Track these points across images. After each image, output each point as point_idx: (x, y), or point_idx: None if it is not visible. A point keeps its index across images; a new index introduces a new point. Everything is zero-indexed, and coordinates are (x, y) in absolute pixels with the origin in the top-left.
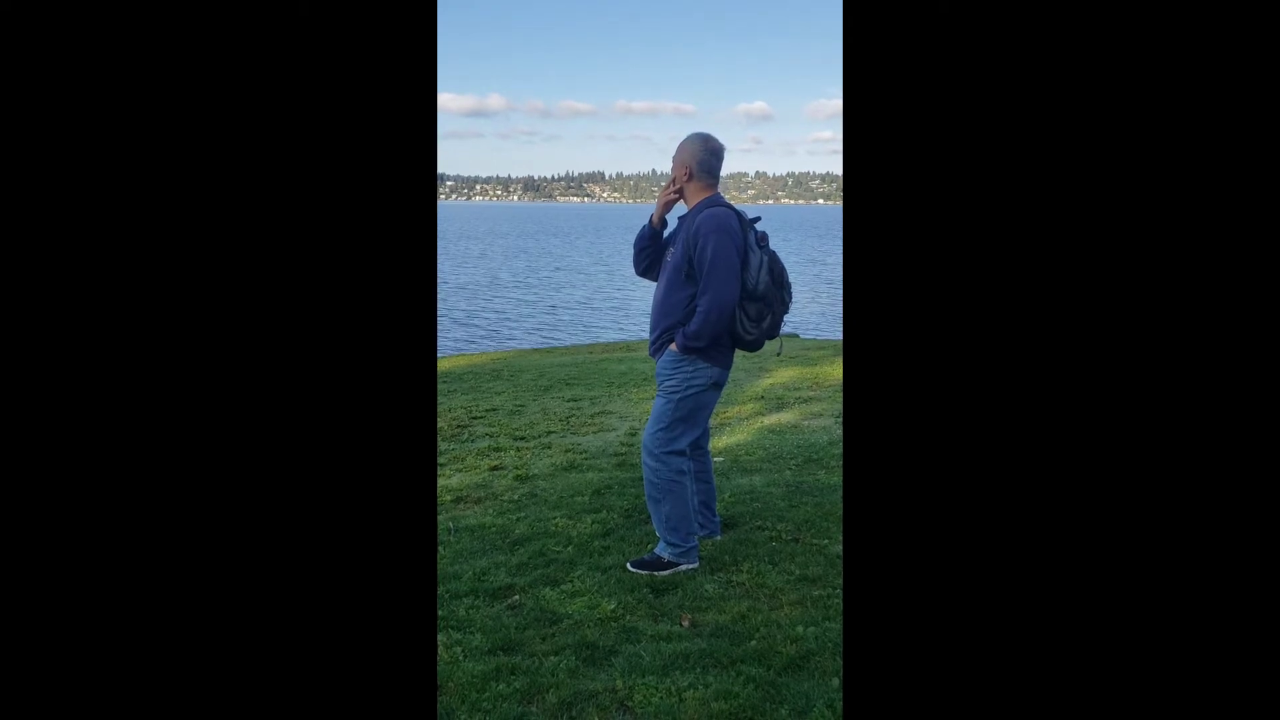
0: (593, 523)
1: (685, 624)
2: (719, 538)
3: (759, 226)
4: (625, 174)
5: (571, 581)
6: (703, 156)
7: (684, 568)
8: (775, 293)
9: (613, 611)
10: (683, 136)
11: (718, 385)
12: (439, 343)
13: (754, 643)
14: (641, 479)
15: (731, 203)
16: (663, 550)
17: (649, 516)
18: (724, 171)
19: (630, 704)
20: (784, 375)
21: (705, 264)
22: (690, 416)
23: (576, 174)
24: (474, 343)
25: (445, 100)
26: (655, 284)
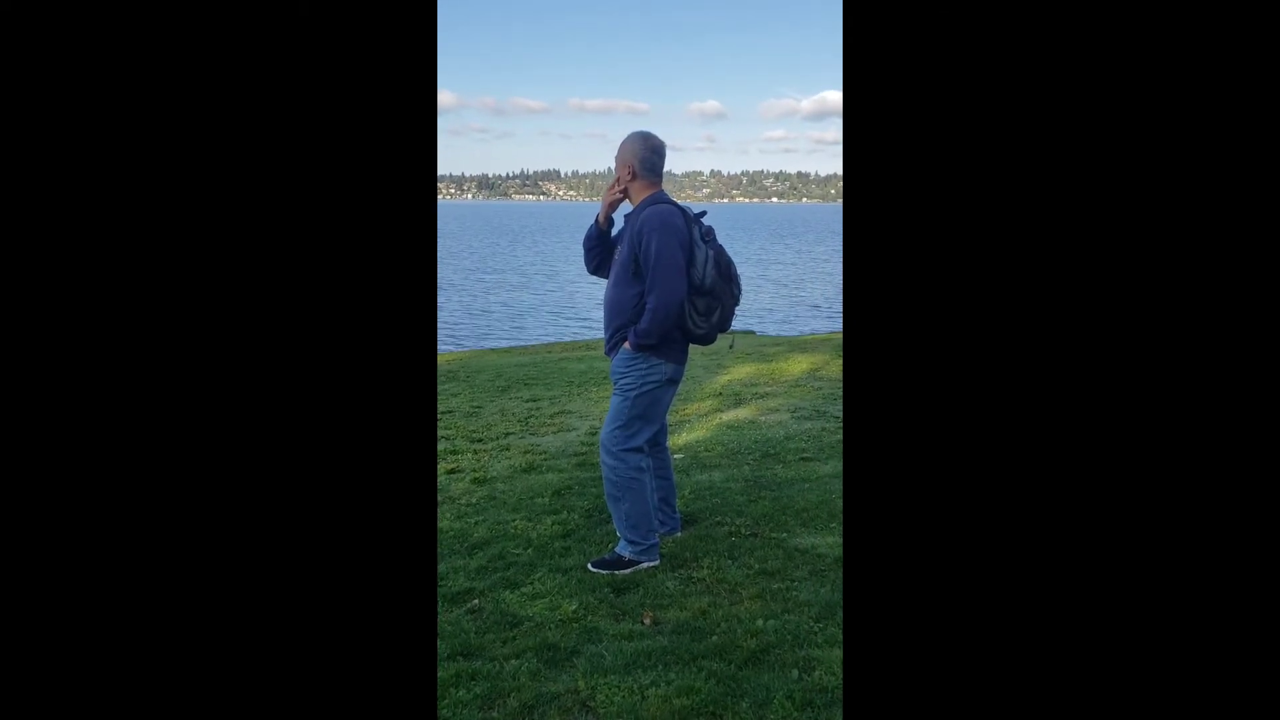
0: (553, 524)
1: (647, 622)
2: (680, 534)
3: (705, 222)
4: (581, 172)
5: (532, 584)
6: (644, 154)
7: (645, 565)
8: (724, 286)
9: (574, 612)
10: None
11: (673, 381)
12: None
13: (715, 638)
14: (600, 479)
15: (676, 199)
16: (624, 549)
17: (609, 516)
18: (679, 170)
19: (593, 704)
20: (741, 371)
21: (650, 261)
22: (646, 413)
23: (532, 172)
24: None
25: None
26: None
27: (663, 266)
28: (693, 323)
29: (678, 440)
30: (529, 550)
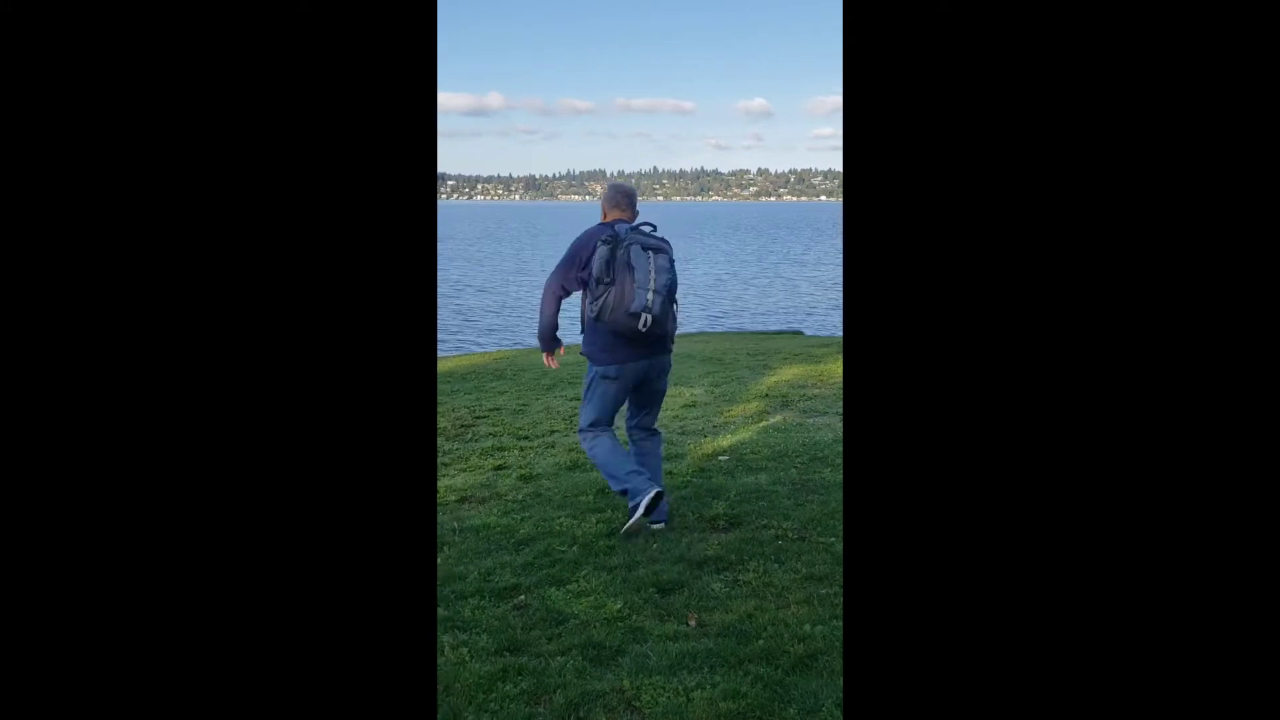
0: (597, 522)
1: (692, 623)
2: (662, 525)
3: (659, 233)
4: (627, 171)
5: (577, 581)
6: (606, 196)
7: (642, 500)
8: (624, 277)
9: (619, 611)
10: (683, 134)
11: (606, 378)
12: (443, 342)
13: (761, 642)
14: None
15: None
16: (631, 503)
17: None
18: (726, 169)
19: (638, 704)
20: (788, 373)
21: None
22: (592, 402)
23: (578, 172)
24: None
25: (444, 99)
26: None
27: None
28: (614, 307)
29: (723, 442)
30: (574, 548)
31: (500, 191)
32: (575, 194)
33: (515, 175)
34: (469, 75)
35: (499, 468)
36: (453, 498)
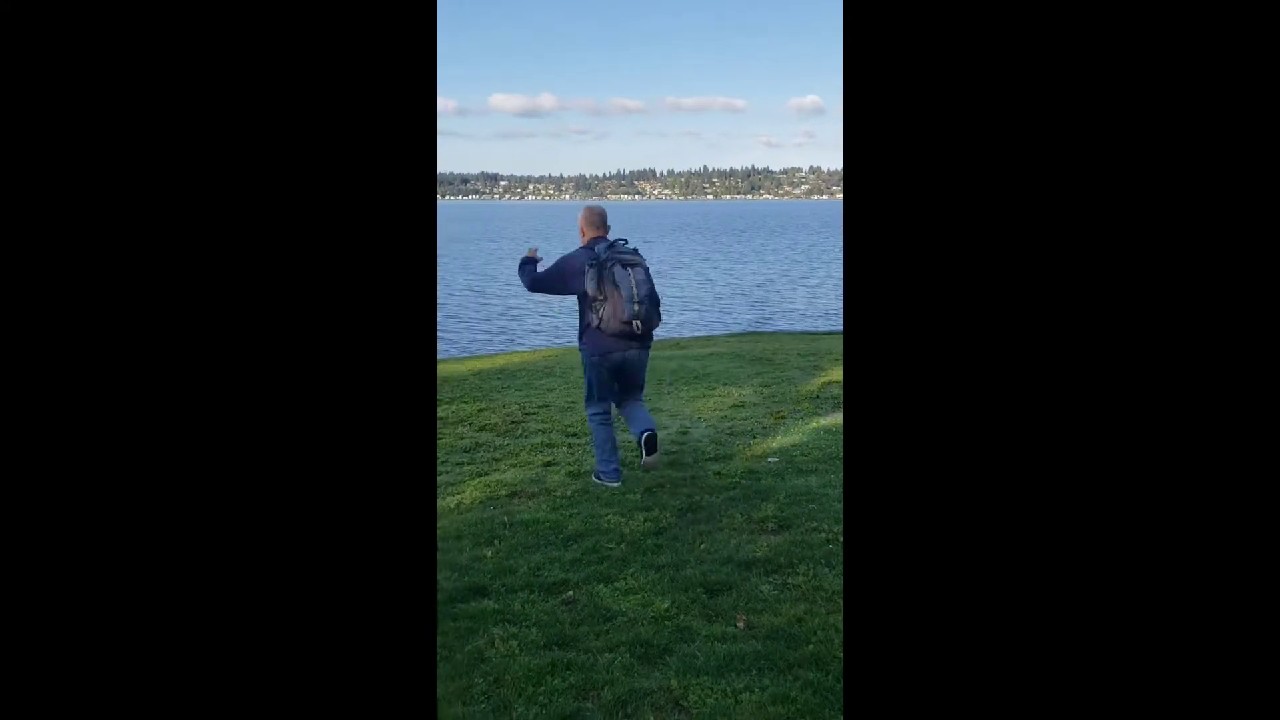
0: (645, 521)
1: (741, 625)
2: (617, 485)
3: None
4: (676, 171)
5: (625, 579)
6: (584, 217)
7: (603, 481)
8: (610, 292)
9: (666, 610)
10: (734, 132)
11: (593, 365)
12: (492, 339)
13: (811, 647)
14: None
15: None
16: (598, 466)
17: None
18: (777, 167)
19: (685, 704)
20: (839, 374)
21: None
22: (591, 382)
23: (627, 172)
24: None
25: (498, 100)
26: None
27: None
28: (604, 314)
29: (772, 444)
30: (622, 545)
31: (551, 191)
32: (625, 193)
33: (566, 175)
34: (521, 77)
35: (548, 464)
36: (503, 492)
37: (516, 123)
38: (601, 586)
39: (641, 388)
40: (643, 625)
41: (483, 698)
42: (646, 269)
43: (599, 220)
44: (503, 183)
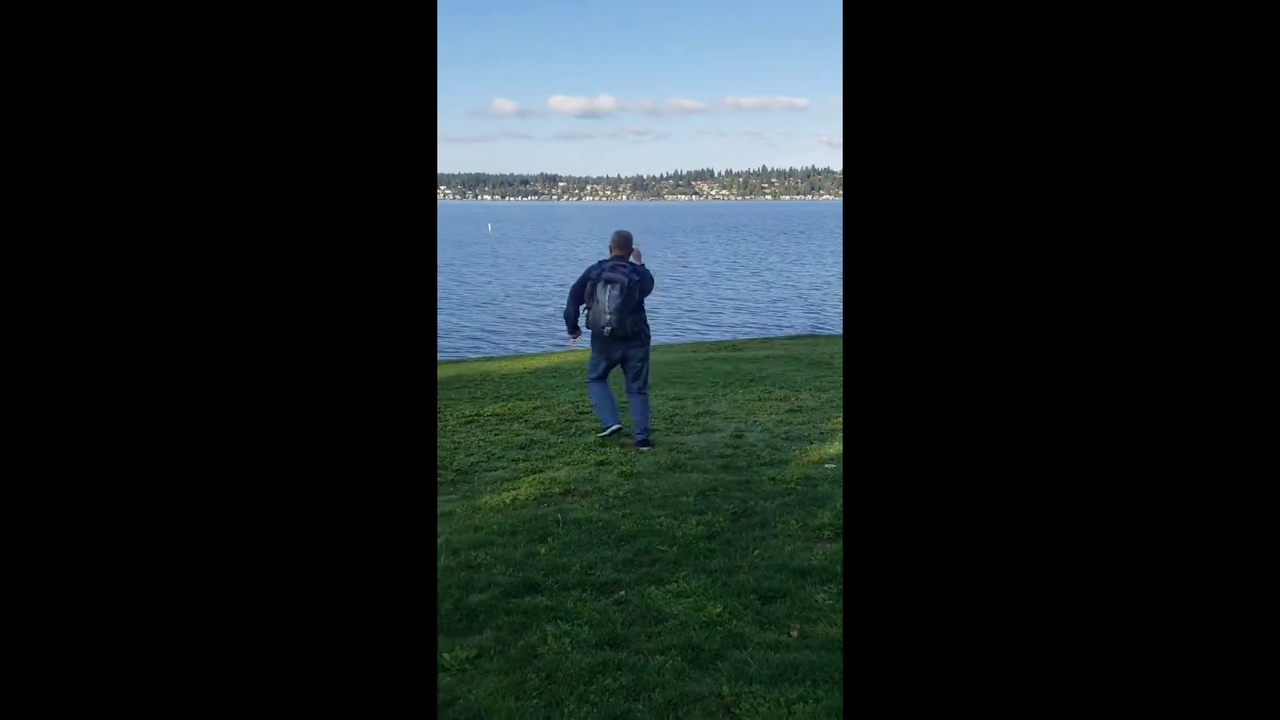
0: (698, 524)
1: (794, 634)
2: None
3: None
4: (735, 171)
5: (677, 581)
6: (611, 240)
7: (608, 430)
8: (593, 300)
9: (718, 615)
10: (795, 131)
11: (593, 352)
12: (541, 340)
13: None
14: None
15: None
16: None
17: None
18: (840, 166)
19: (737, 711)
20: None
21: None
22: (591, 363)
23: (685, 172)
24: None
25: (557, 102)
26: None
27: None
28: (591, 316)
29: (829, 449)
30: (674, 548)
31: (609, 192)
32: (682, 194)
33: (624, 176)
34: (581, 78)
35: (601, 463)
36: (557, 490)
37: (575, 124)
38: (653, 588)
39: (638, 378)
40: (694, 629)
41: (535, 693)
42: (626, 283)
43: (617, 242)
44: (561, 184)
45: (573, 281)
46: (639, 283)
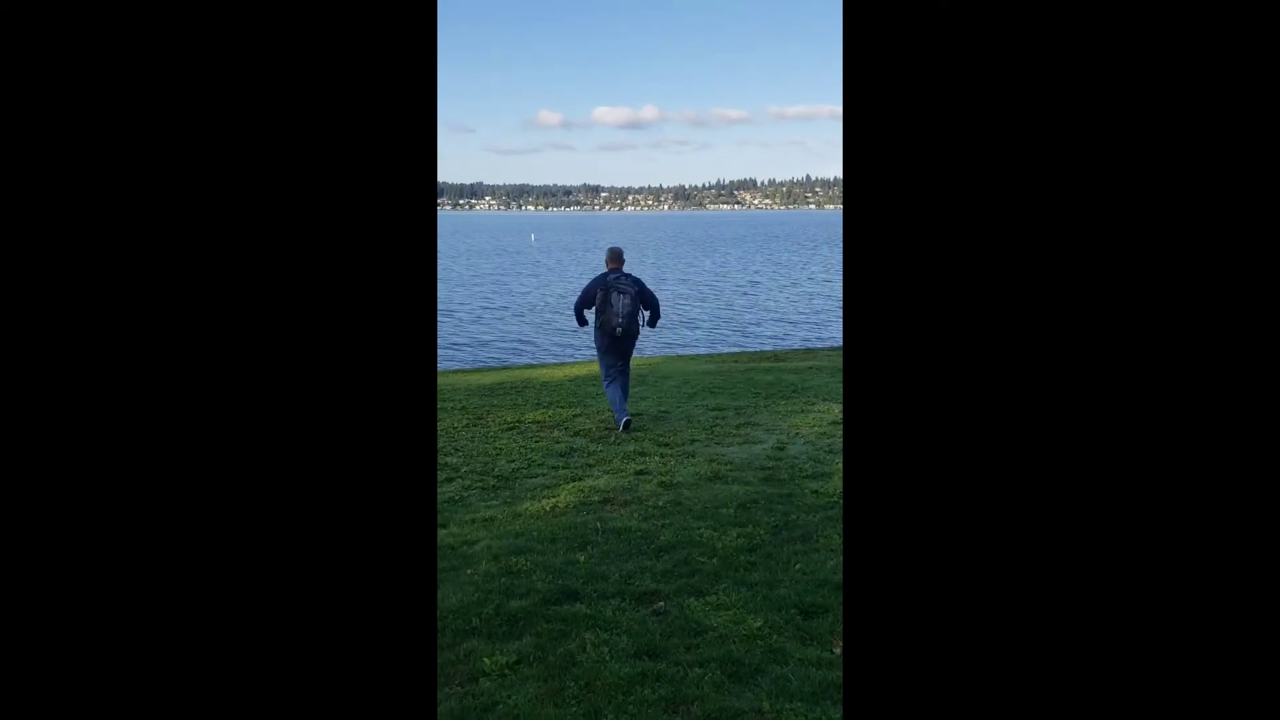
0: (738, 536)
1: (837, 650)
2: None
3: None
4: (778, 180)
5: (716, 594)
6: (607, 254)
7: (623, 423)
8: (609, 309)
9: (759, 629)
10: (839, 140)
11: (600, 351)
12: (579, 350)
13: None
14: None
15: (616, 271)
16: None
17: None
18: None
19: None
20: None
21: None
22: (601, 363)
23: (727, 181)
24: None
25: (601, 113)
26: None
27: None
28: (603, 321)
29: None
30: (714, 559)
31: (650, 202)
32: (725, 203)
33: (665, 186)
34: (626, 90)
35: (640, 472)
36: (596, 498)
37: (619, 134)
38: (693, 600)
39: (627, 365)
40: (734, 643)
41: (573, 701)
42: (634, 294)
43: (612, 257)
44: (603, 194)
45: (585, 286)
46: (640, 294)
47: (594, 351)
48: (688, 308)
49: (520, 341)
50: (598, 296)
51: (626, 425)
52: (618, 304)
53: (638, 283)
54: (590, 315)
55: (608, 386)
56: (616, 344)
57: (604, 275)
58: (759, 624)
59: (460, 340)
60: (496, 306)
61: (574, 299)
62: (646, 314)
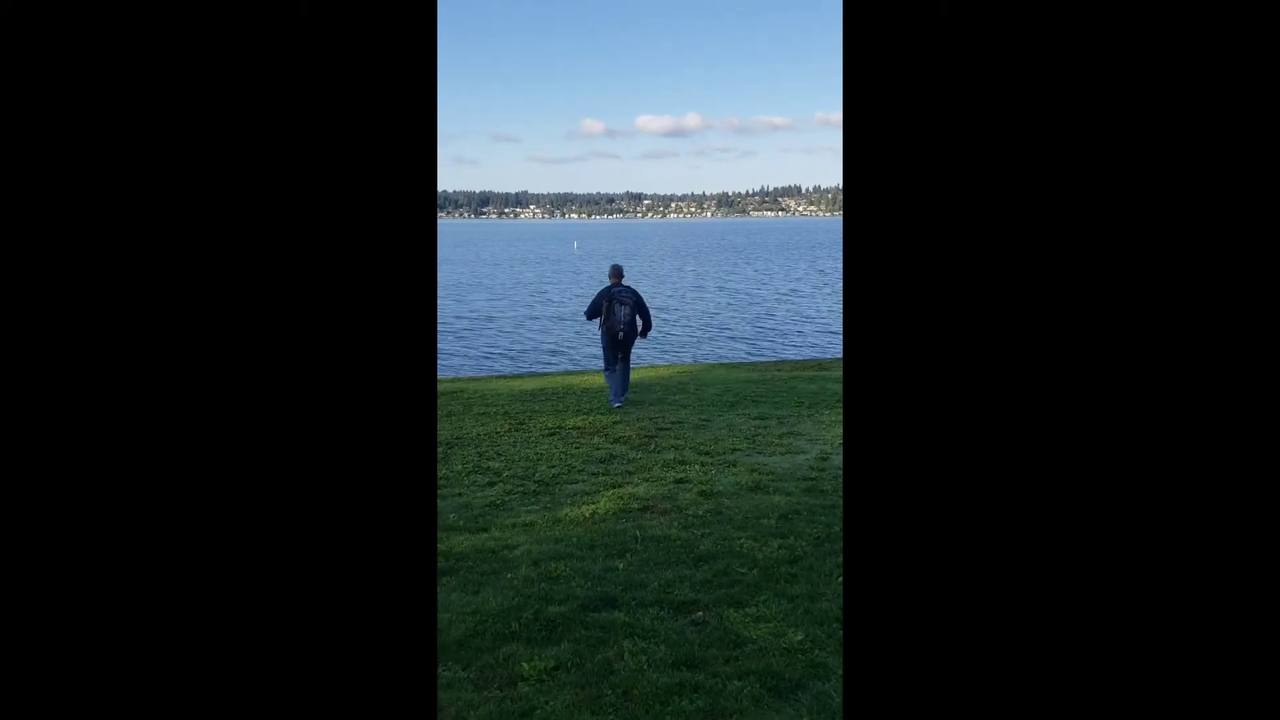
0: (779, 548)
1: None
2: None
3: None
4: (823, 187)
5: (756, 605)
6: (610, 271)
7: (618, 403)
8: (615, 315)
9: (799, 643)
10: None
11: (604, 346)
12: (636, 355)
13: None
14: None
15: (619, 283)
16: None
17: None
18: None
19: None
20: None
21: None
22: (603, 357)
23: (772, 188)
24: (672, 354)
25: (645, 122)
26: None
27: (589, 307)
28: (607, 325)
29: None
30: (754, 571)
31: (693, 209)
32: (768, 210)
33: (709, 193)
34: (670, 98)
35: (680, 481)
36: (635, 506)
37: (662, 142)
38: (732, 611)
39: (628, 358)
40: (774, 656)
41: (611, 709)
42: (634, 303)
43: (614, 272)
44: (646, 201)
45: (596, 294)
46: (637, 305)
47: (631, 359)
48: (727, 314)
49: (556, 351)
50: (603, 307)
51: (617, 406)
52: (619, 313)
53: (635, 295)
54: (601, 320)
55: (606, 372)
56: (617, 344)
57: (608, 288)
58: (800, 637)
59: (498, 347)
60: (536, 312)
61: (587, 308)
62: (640, 323)
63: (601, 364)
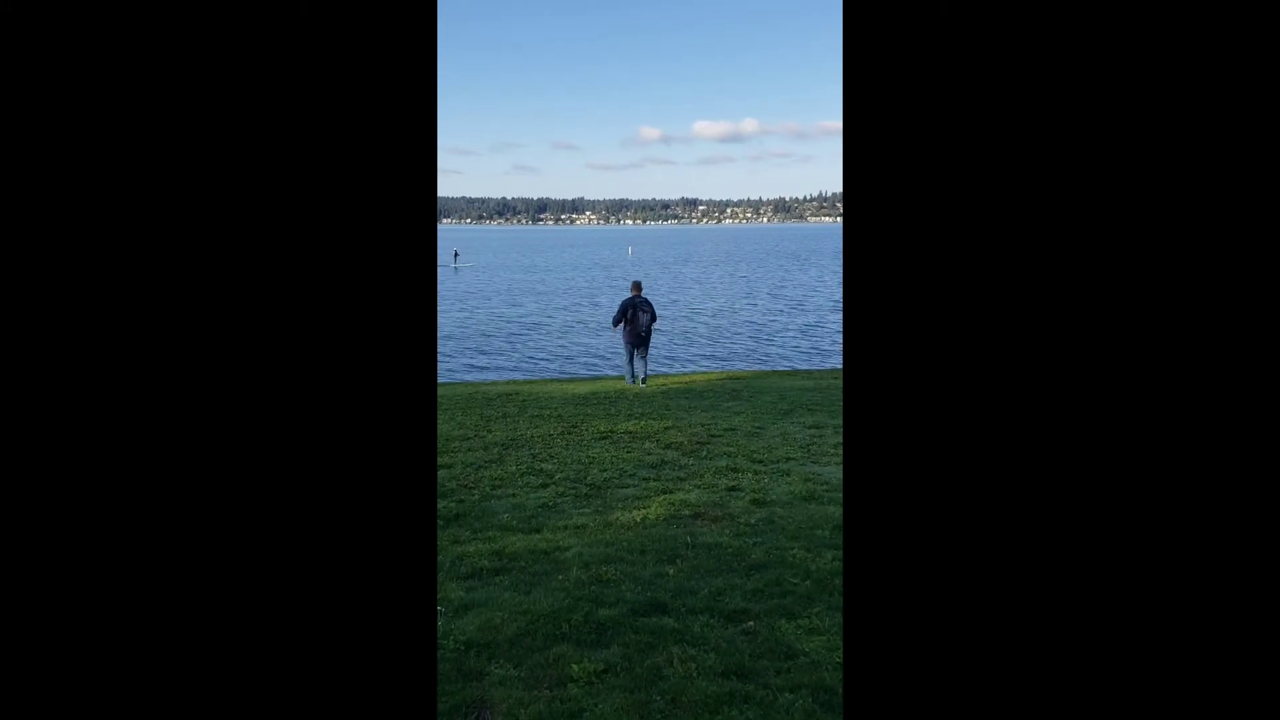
0: (833, 559)
1: None
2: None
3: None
4: None
5: (809, 617)
6: (633, 286)
7: (632, 381)
8: (634, 319)
9: None
10: None
11: (626, 344)
12: (674, 363)
13: None
14: None
15: (639, 295)
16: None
17: None
18: None
19: None
20: None
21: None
22: (624, 354)
23: (830, 193)
24: (727, 360)
25: (701, 127)
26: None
27: (615, 313)
28: (632, 328)
29: None
30: (807, 582)
31: (749, 214)
32: (826, 215)
33: (765, 198)
34: (727, 103)
35: (732, 488)
36: (686, 512)
37: (718, 148)
38: (784, 621)
39: (646, 354)
40: (827, 670)
41: (659, 715)
42: (651, 311)
43: (635, 286)
44: (701, 207)
45: (621, 303)
46: (652, 312)
47: (682, 364)
48: (778, 320)
49: (608, 353)
50: (628, 314)
51: (641, 381)
52: (641, 319)
53: (650, 305)
54: (625, 325)
55: (626, 361)
56: (641, 342)
57: (631, 299)
58: None
59: (544, 352)
60: (586, 317)
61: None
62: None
63: (624, 360)
